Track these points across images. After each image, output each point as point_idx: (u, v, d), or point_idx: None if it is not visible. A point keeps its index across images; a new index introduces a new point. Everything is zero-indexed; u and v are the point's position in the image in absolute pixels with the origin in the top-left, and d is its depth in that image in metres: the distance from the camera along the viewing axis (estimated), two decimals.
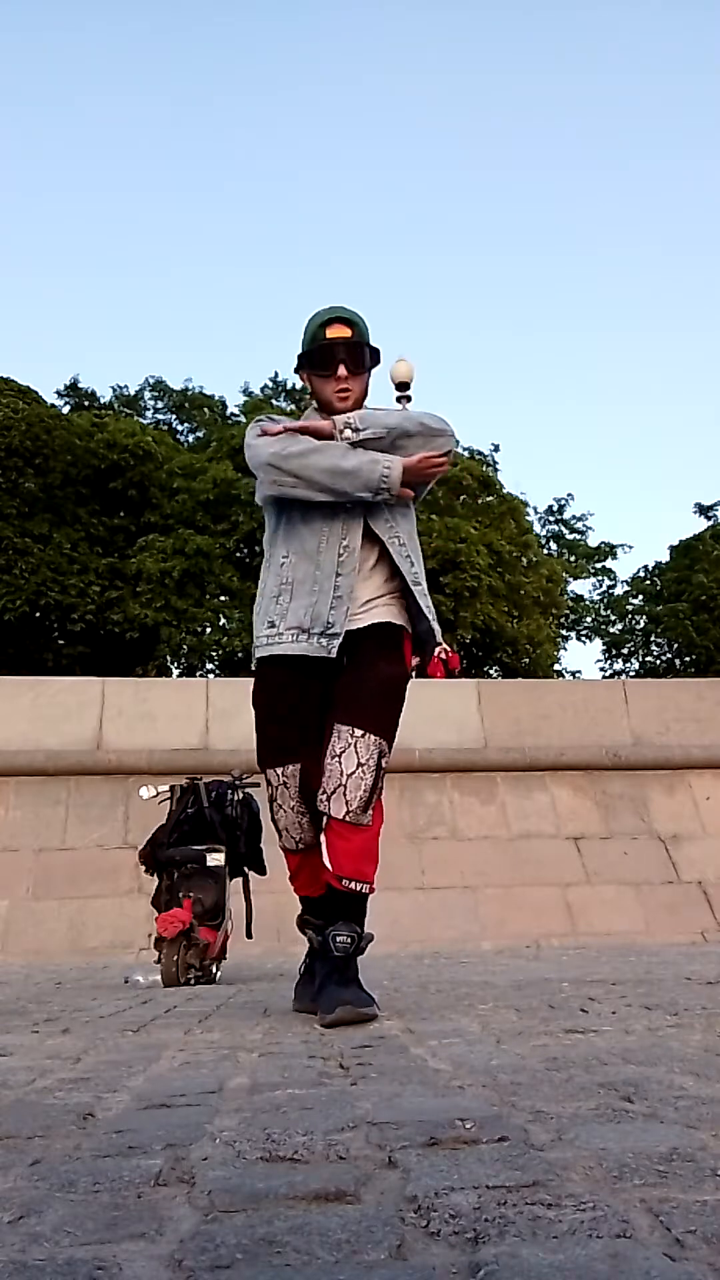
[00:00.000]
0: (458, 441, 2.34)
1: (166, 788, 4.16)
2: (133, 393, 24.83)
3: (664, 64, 49.80)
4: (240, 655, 18.15)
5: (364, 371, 2.40)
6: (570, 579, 24.71)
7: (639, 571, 26.06)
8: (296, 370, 2.46)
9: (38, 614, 17.21)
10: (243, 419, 22.84)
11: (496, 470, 23.06)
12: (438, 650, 2.37)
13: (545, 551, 23.84)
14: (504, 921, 6.36)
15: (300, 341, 2.43)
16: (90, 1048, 1.76)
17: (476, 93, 52.97)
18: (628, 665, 25.49)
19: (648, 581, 25.61)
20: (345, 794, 2.13)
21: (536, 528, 24.37)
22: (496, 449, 23.88)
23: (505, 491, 21.85)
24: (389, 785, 2.97)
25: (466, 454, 22.64)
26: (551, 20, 45.52)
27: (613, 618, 25.98)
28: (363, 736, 2.16)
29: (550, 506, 26.35)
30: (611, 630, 25.77)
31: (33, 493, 17.72)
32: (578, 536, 26.39)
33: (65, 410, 21.55)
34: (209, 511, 18.85)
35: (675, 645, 23.75)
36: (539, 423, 51.05)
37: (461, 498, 20.47)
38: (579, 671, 25.92)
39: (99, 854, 6.39)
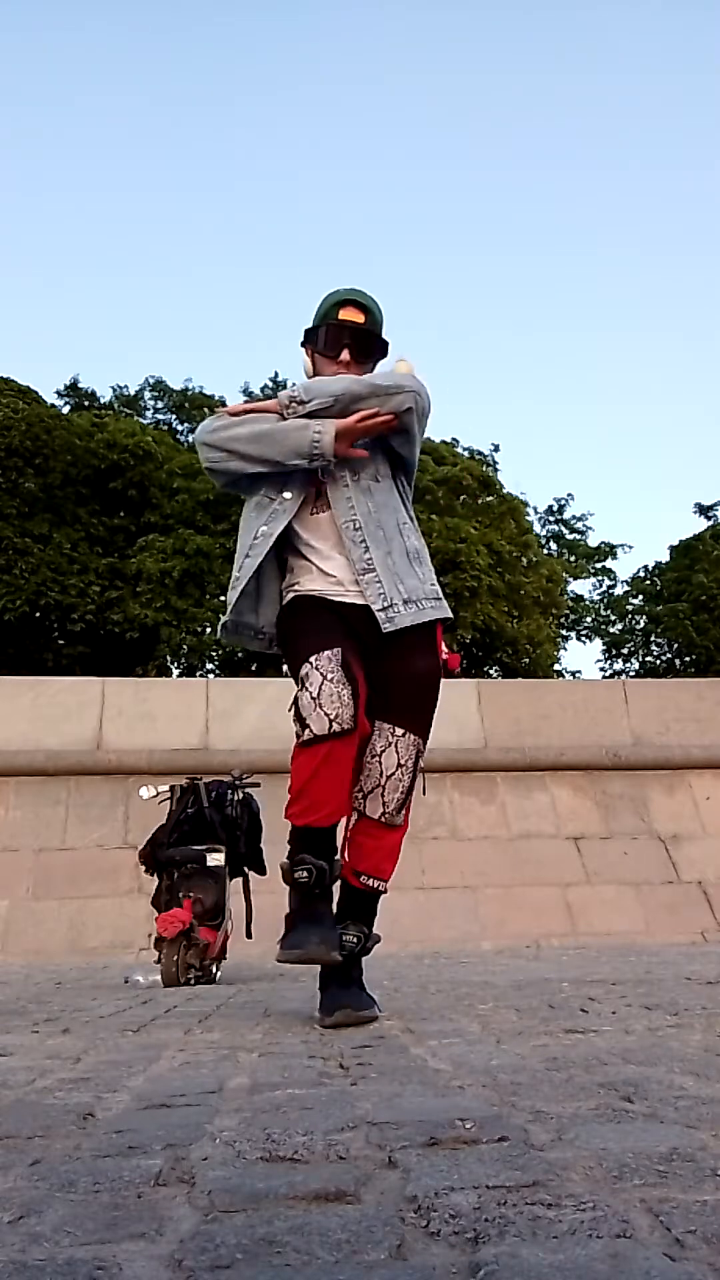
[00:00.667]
0: (423, 395, 2.19)
1: (166, 788, 4.16)
2: (133, 393, 24.83)
3: (664, 64, 49.84)
4: (240, 655, 18.15)
5: (369, 361, 2.31)
6: (570, 579, 24.72)
7: (639, 571, 26.10)
8: (302, 345, 2.36)
9: (38, 614, 17.21)
10: None
11: (496, 470, 23.08)
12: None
13: (545, 551, 23.84)
14: (504, 921, 6.36)
15: (313, 316, 2.34)
16: (90, 1048, 1.76)
17: (476, 92, 53.00)
18: (628, 665, 25.50)
19: (648, 581, 25.61)
20: (383, 795, 2.10)
21: (536, 528, 24.39)
22: (496, 449, 23.91)
23: (505, 491, 21.86)
24: None
25: (466, 454, 22.65)
26: (551, 20, 45.53)
27: (613, 618, 25.99)
28: (403, 736, 2.12)
29: (550, 506, 26.39)
30: (611, 630, 25.78)
31: (33, 493, 17.72)
32: (578, 536, 26.41)
33: (65, 410, 21.55)
34: (209, 511, 18.85)
35: (675, 645, 23.76)
36: (539, 423, 51.12)
37: (461, 498, 20.47)
38: (579, 671, 25.95)
39: (99, 854, 6.39)
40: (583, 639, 26.08)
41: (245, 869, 4.08)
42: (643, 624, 25.04)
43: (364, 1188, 0.78)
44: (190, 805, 4.03)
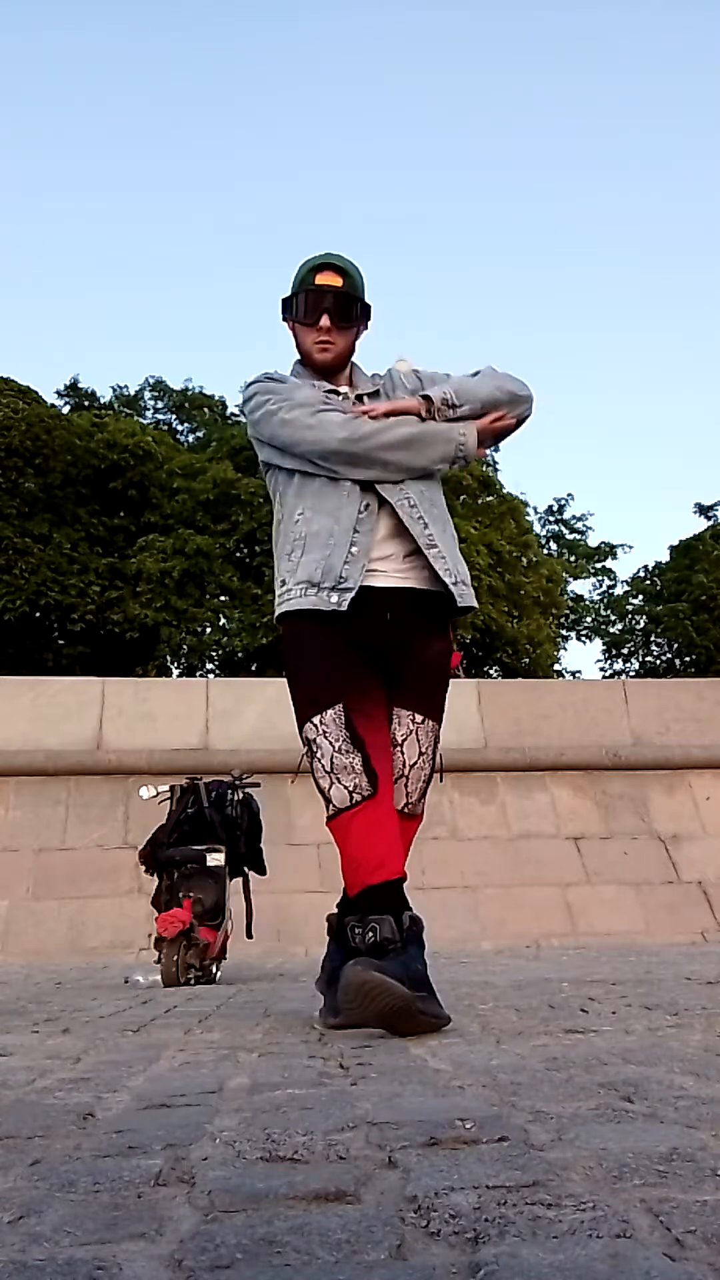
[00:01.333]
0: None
1: (166, 788, 4.16)
2: (133, 393, 24.87)
3: (664, 64, 49.84)
4: (240, 655, 18.16)
5: (351, 326, 2.23)
6: (570, 579, 24.73)
7: (639, 571, 26.13)
8: (283, 319, 2.27)
9: (38, 614, 17.22)
10: (243, 419, 22.78)
11: (496, 470, 23.09)
12: None
13: (545, 551, 23.86)
14: (504, 921, 6.36)
15: (291, 285, 2.25)
16: (90, 1048, 1.76)
17: (476, 92, 53.01)
18: (628, 665, 25.51)
19: (648, 581, 25.62)
20: (406, 785, 2.09)
21: (536, 528, 24.41)
22: (496, 449, 23.89)
23: (505, 491, 21.88)
24: None
25: None
26: (551, 20, 45.53)
27: (613, 618, 26.00)
28: (423, 723, 2.11)
29: (550, 506, 26.43)
30: (611, 630, 25.79)
31: (33, 493, 17.73)
32: (578, 536, 26.43)
33: (65, 410, 21.56)
34: (209, 511, 18.85)
35: (675, 645, 23.77)
36: (539, 423, 51.01)
37: (461, 498, 20.46)
38: (579, 671, 25.97)
39: (99, 854, 6.39)
40: (583, 639, 26.11)
41: (245, 869, 4.08)
42: (643, 624, 25.05)
43: (364, 1188, 0.78)
44: (190, 805, 4.03)
